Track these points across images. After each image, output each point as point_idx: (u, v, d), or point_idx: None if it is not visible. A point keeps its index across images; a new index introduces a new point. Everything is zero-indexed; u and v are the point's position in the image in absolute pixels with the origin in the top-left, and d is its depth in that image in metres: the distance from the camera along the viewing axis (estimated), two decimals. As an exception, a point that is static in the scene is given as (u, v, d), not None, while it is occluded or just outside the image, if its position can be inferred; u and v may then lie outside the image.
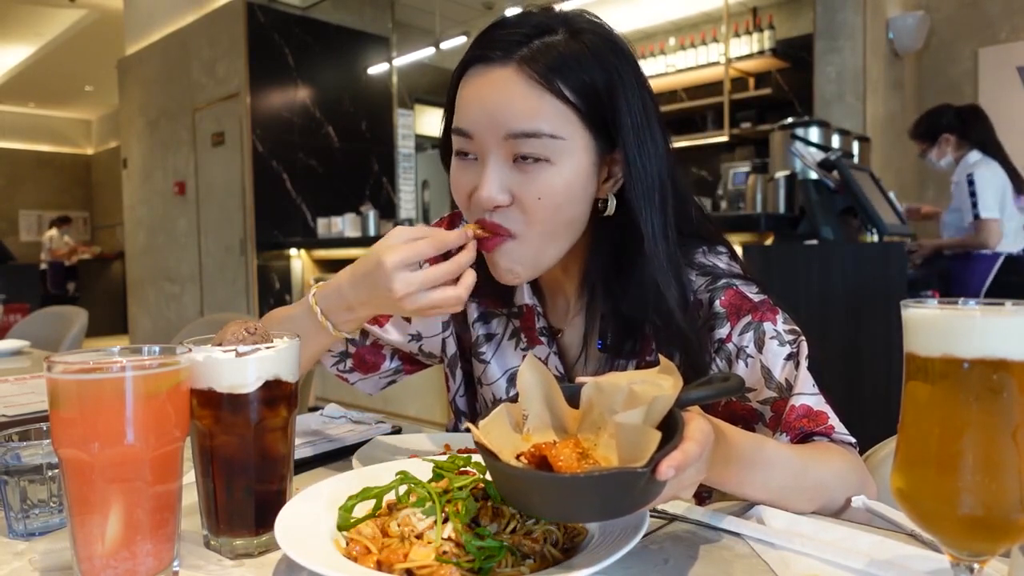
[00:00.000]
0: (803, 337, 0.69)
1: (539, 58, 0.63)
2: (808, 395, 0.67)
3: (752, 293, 0.71)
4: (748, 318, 0.69)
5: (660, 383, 0.47)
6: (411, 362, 0.88)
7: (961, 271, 2.81)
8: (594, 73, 0.64)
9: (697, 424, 0.46)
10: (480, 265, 0.68)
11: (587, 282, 0.74)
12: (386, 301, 0.63)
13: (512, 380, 0.80)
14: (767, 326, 0.68)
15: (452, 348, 0.85)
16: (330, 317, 0.68)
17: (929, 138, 2.91)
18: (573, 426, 0.52)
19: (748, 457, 0.56)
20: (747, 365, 0.68)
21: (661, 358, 0.49)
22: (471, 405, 0.87)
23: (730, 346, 0.69)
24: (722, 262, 0.73)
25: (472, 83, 0.66)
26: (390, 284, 0.61)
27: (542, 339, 0.78)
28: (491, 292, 0.77)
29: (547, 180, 0.64)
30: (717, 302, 0.70)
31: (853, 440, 0.67)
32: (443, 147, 0.73)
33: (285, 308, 0.81)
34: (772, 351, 0.68)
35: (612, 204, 0.69)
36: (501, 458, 0.44)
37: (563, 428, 0.52)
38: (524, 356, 0.78)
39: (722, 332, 0.69)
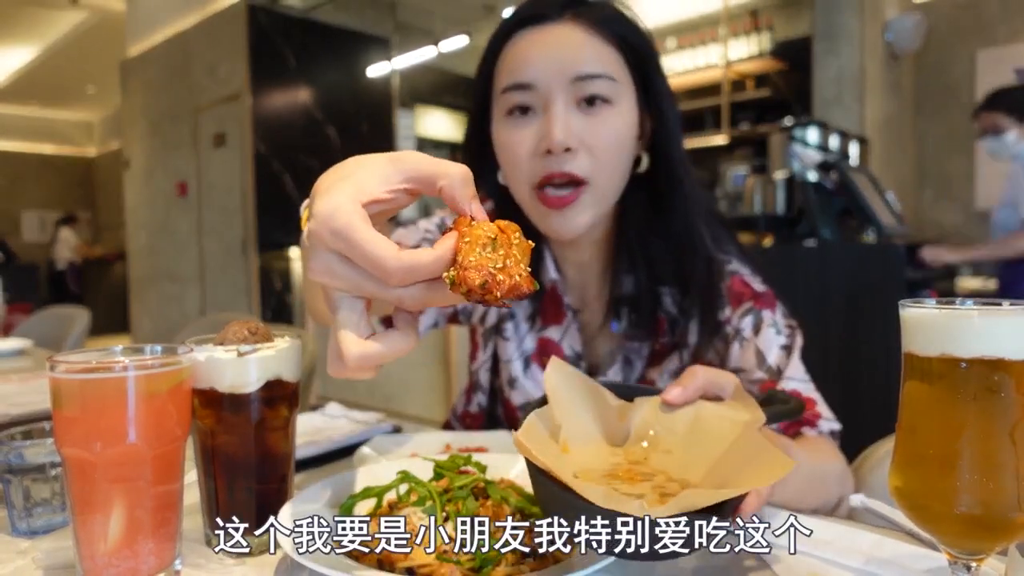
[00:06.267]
0: (799, 330, 0.73)
1: (591, 12, 0.70)
2: (798, 381, 0.70)
3: (757, 283, 0.75)
4: (749, 304, 0.73)
5: (731, 412, 0.46)
6: (450, 317, 0.92)
7: (1015, 280, 2.36)
8: (635, 34, 0.71)
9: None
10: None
11: (619, 247, 0.77)
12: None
13: (527, 362, 0.83)
14: (766, 314, 0.73)
15: (492, 319, 0.86)
16: None
17: (1019, 113, 2.42)
18: (614, 435, 0.50)
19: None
20: (741, 346, 0.72)
21: (737, 388, 0.48)
22: (492, 382, 0.89)
23: (728, 328, 0.73)
24: (735, 253, 0.78)
25: (528, 39, 0.70)
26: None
27: (566, 312, 0.81)
28: None
29: (612, 122, 0.69)
30: (722, 286, 0.74)
31: (839, 427, 0.70)
32: (475, 122, 0.75)
33: None
34: (768, 337, 0.71)
35: (646, 160, 0.74)
36: (556, 476, 0.40)
37: (602, 436, 0.50)
38: (539, 339, 0.81)
39: (722, 315, 0.73)
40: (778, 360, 0.70)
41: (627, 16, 0.72)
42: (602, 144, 0.68)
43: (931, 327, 0.40)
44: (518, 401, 0.84)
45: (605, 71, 0.68)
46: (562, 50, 0.67)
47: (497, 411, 0.88)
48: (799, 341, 0.72)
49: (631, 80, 0.71)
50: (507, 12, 0.80)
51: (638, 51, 0.71)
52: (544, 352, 0.82)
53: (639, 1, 4.67)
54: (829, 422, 0.69)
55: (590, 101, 0.67)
